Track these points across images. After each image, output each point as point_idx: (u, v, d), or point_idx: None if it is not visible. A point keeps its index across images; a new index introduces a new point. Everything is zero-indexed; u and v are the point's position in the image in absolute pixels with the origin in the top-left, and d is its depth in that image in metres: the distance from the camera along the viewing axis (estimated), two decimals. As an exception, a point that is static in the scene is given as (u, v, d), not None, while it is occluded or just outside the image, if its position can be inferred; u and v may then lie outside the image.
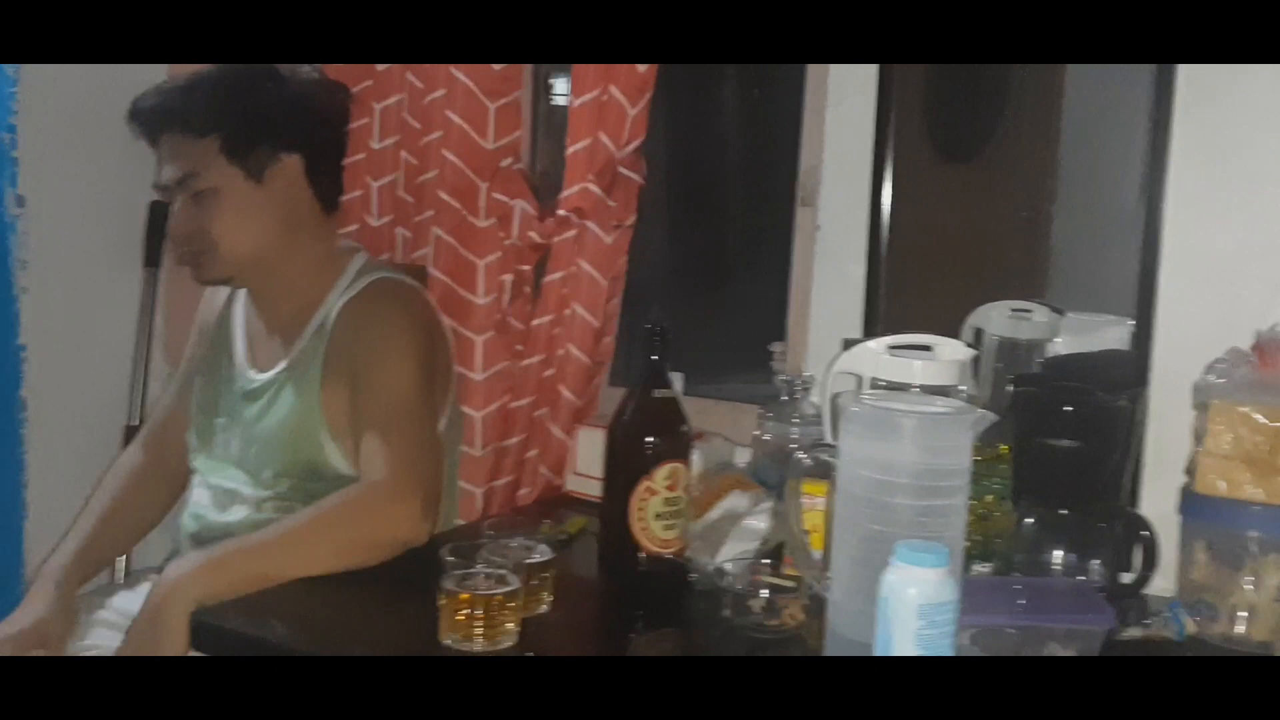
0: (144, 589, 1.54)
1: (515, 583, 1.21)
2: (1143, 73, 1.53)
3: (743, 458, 1.76)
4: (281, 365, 1.58)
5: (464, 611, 1.19)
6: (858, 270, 1.74)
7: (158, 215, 2.08)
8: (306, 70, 1.62)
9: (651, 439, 1.41)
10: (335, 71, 1.92)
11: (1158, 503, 1.45)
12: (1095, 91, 1.71)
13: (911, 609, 0.99)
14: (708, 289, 2.23)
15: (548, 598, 1.30)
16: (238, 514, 1.57)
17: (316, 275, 1.60)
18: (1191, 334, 1.48)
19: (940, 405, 1.16)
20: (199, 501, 1.63)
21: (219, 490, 1.60)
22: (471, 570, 1.21)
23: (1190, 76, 1.49)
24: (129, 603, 1.56)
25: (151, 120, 1.55)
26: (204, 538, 1.56)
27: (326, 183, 1.61)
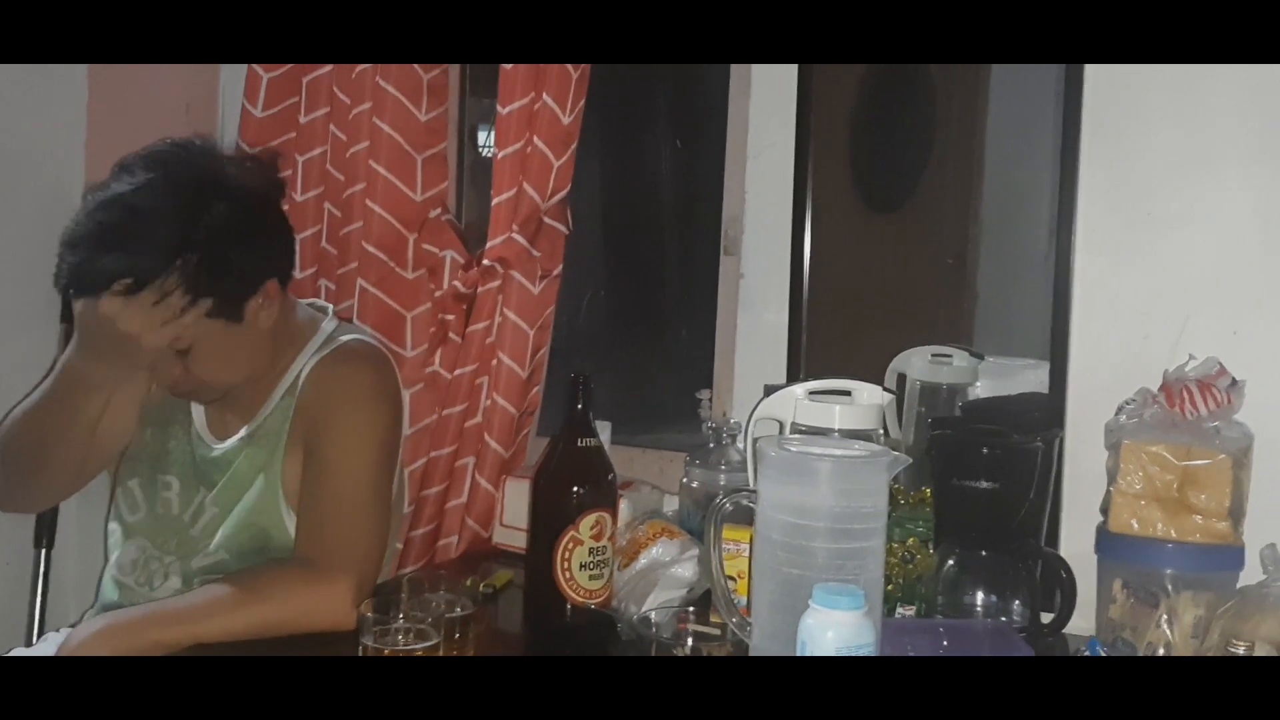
0: (43, 646, 1.49)
1: (435, 637, 1.19)
2: (1051, 117, 1.57)
3: (671, 505, 1.76)
4: (244, 431, 1.49)
5: (382, 667, 1.17)
6: (780, 317, 1.76)
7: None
8: (243, 165, 1.47)
9: (576, 488, 1.41)
10: (257, 130, 1.93)
11: (1077, 542, 1.47)
12: (1013, 139, 1.75)
13: (829, 652, 0.99)
14: (642, 339, 2.24)
15: (471, 653, 1.28)
16: (167, 590, 1.48)
17: (283, 347, 1.51)
18: (1104, 375, 1.51)
19: (855, 449, 1.17)
20: (123, 565, 1.53)
21: (150, 558, 1.51)
22: (391, 625, 1.19)
23: (1095, 123, 1.53)
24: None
25: (111, 281, 1.34)
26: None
27: (288, 268, 1.51)
